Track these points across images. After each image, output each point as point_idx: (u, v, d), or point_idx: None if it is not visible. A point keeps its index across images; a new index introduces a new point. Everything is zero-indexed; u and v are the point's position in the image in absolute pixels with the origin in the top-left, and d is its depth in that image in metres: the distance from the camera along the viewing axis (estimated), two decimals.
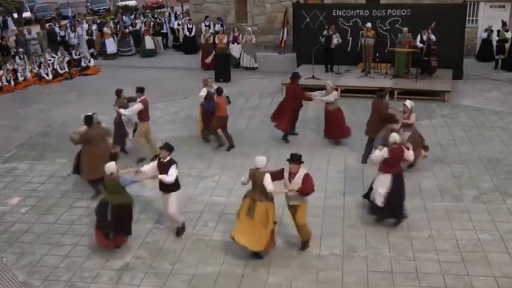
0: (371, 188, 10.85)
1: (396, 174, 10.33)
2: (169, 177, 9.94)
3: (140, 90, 13.74)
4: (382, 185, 10.34)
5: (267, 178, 9.38)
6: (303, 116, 15.07)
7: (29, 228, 11.09)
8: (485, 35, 22.29)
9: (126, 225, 10.03)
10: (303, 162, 9.49)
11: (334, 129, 14.55)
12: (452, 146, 14.38)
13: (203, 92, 14.73)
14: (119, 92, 14.14)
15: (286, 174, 9.56)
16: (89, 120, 11.87)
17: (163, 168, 10.01)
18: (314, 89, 15.29)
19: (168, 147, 10.12)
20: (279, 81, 20.09)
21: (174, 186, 10.18)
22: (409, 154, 10.46)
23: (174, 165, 10.01)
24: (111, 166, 9.85)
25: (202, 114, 14.88)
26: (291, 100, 14.63)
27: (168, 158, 10.07)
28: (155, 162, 10.26)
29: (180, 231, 10.57)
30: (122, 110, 13.51)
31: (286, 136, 14.84)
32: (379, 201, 10.38)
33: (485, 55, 22.52)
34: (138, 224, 10.95)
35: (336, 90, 15.77)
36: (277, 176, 9.63)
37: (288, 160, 9.48)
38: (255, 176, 9.50)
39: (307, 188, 9.36)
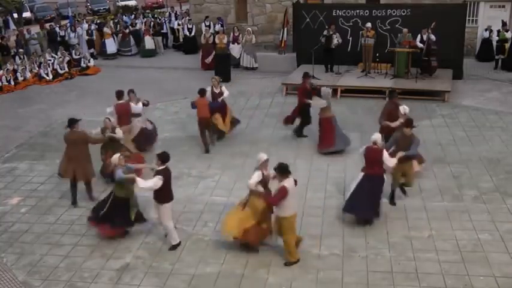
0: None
1: (369, 176, 10.40)
2: (146, 183, 9.73)
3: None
4: (354, 182, 10.76)
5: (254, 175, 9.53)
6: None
7: (29, 228, 11.09)
8: (486, 35, 22.29)
9: (120, 217, 10.27)
10: (289, 173, 9.15)
11: (321, 139, 14.16)
12: (452, 146, 14.38)
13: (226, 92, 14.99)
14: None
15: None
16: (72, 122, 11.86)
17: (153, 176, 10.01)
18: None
19: (161, 156, 9.91)
20: (279, 81, 20.10)
21: (160, 197, 9.87)
22: (388, 159, 10.37)
23: (157, 176, 9.65)
24: (114, 159, 10.13)
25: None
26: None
27: (162, 167, 9.83)
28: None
29: (173, 247, 10.19)
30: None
31: (299, 131, 14.97)
32: (346, 196, 10.76)
33: (485, 55, 22.52)
34: (137, 224, 10.95)
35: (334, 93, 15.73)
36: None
37: (274, 169, 9.29)
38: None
39: (270, 197, 9.28)
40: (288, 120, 15.07)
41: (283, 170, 9.09)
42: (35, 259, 10.02)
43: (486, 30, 22.32)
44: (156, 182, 9.60)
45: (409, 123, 11.05)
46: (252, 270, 9.44)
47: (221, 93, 14.81)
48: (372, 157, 10.44)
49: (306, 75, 14.82)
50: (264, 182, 9.55)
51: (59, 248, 10.36)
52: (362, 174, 10.61)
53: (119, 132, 12.48)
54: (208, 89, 14.75)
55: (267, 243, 9.95)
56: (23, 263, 9.94)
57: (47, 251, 10.25)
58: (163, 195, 9.83)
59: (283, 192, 8.98)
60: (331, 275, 9.23)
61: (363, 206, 10.46)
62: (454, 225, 10.53)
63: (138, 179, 9.85)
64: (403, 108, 12.40)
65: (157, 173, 9.74)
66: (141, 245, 10.33)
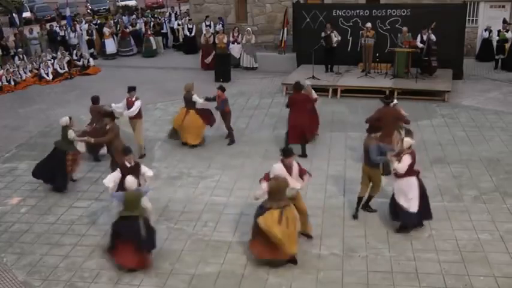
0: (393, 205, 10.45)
1: (418, 178, 10.25)
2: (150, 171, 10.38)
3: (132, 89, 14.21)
4: (412, 189, 10.10)
5: (290, 180, 9.38)
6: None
7: (29, 228, 11.09)
8: (486, 35, 22.29)
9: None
10: (294, 154, 9.79)
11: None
12: (452, 146, 14.38)
13: (199, 99, 14.74)
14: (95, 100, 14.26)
15: (283, 171, 9.49)
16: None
17: (134, 172, 10.03)
18: (314, 90, 15.20)
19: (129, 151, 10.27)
20: (279, 81, 20.10)
21: None
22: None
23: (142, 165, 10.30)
24: (133, 182, 9.41)
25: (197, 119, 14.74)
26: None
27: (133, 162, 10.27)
28: (117, 172, 10.17)
29: None
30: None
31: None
32: (415, 206, 10.09)
33: (485, 55, 22.52)
34: None
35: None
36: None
37: (283, 155, 9.59)
38: (280, 185, 9.22)
39: (305, 171, 9.83)
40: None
41: (289, 152, 9.65)
42: (35, 259, 10.02)
43: (486, 30, 22.32)
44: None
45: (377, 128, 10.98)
46: (252, 270, 9.44)
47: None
48: (415, 159, 10.16)
49: (298, 88, 14.07)
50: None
51: (59, 248, 10.36)
52: (413, 177, 10.14)
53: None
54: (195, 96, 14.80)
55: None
56: (23, 263, 9.94)
57: (47, 251, 10.25)
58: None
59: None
60: (331, 275, 9.23)
61: (427, 209, 10.35)
62: (454, 225, 10.53)
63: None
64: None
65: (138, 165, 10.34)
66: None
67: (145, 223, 9.44)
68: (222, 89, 14.68)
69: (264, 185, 9.25)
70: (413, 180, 10.13)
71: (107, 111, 12.80)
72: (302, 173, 9.75)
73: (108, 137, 12.13)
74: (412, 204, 10.06)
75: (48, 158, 12.73)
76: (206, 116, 14.81)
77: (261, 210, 9.29)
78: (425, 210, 10.29)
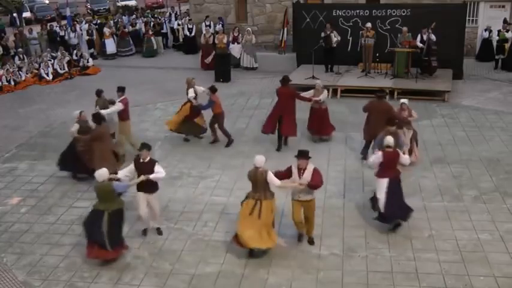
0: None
1: (392, 179, 10.23)
2: (161, 173, 10.03)
3: (121, 90, 13.98)
4: (380, 191, 10.27)
5: (270, 175, 9.49)
6: (302, 116, 15.01)
7: (29, 228, 11.09)
8: (486, 35, 22.29)
9: (119, 233, 9.83)
10: (310, 158, 9.64)
11: (320, 126, 14.69)
12: (452, 146, 14.38)
13: (192, 93, 14.74)
14: (99, 93, 14.37)
15: (295, 171, 9.66)
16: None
17: (146, 168, 9.99)
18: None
19: (148, 147, 10.11)
20: (279, 81, 20.06)
21: (157, 186, 10.29)
22: (405, 158, 10.45)
23: (157, 163, 10.12)
24: (103, 173, 9.56)
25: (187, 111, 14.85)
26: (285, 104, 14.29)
27: (148, 157, 10.08)
28: (131, 165, 10.14)
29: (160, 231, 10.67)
30: (103, 111, 13.50)
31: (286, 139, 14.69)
32: (381, 207, 10.27)
33: (485, 55, 22.52)
34: (137, 224, 10.96)
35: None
36: (285, 175, 9.79)
37: (296, 156, 9.65)
38: (256, 176, 9.56)
39: (317, 182, 9.58)
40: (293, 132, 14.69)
41: (306, 155, 9.59)
42: (35, 259, 10.02)
43: (486, 30, 22.32)
44: (162, 168, 10.07)
45: (391, 120, 11.22)
46: (252, 270, 9.44)
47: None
48: (391, 160, 10.23)
49: (286, 81, 14.39)
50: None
51: (59, 248, 10.36)
52: (386, 180, 10.22)
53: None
54: (192, 91, 14.87)
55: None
56: (23, 263, 9.94)
57: (47, 251, 10.25)
58: (155, 184, 10.22)
59: (319, 172, 9.66)
60: (331, 275, 9.23)
61: (403, 210, 10.36)
62: (454, 225, 10.53)
63: (152, 175, 9.95)
64: (406, 101, 13.01)
65: (152, 162, 10.09)
66: (141, 244, 10.32)
67: (113, 217, 9.58)
68: (213, 90, 14.54)
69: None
70: (382, 181, 10.24)
71: (95, 113, 12.71)
72: (313, 180, 9.57)
73: (87, 138, 12.39)
74: (380, 204, 10.27)
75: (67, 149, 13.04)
76: (194, 113, 14.83)
77: (243, 200, 9.83)
78: (399, 211, 10.32)
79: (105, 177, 9.57)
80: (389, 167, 10.23)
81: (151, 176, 9.94)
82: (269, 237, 9.59)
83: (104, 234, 9.45)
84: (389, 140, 10.23)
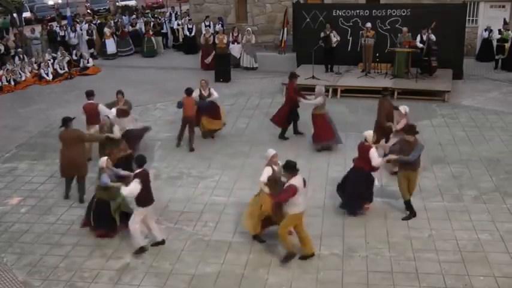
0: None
1: (355, 168, 10.85)
2: (126, 189, 9.62)
3: (90, 95, 13.90)
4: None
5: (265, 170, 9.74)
6: (303, 116, 15.03)
7: (29, 228, 11.08)
8: (486, 35, 22.30)
9: (103, 220, 10.33)
10: (297, 170, 9.19)
11: (317, 133, 14.25)
12: (452, 146, 14.39)
13: (196, 93, 14.78)
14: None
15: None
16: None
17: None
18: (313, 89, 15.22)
19: (137, 161, 9.94)
20: (279, 81, 20.09)
21: (143, 200, 9.74)
22: (375, 157, 10.50)
23: (137, 180, 9.53)
24: (101, 161, 10.28)
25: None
26: (287, 99, 14.92)
27: (139, 170, 9.75)
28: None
29: (138, 250, 10.02)
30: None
31: (283, 134, 14.96)
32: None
33: (485, 55, 22.53)
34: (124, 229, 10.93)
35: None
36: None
37: (282, 167, 9.40)
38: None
39: (279, 196, 9.29)
40: (281, 123, 15.00)
41: (290, 168, 9.14)
42: (35, 259, 10.02)
43: (486, 30, 22.33)
44: (135, 186, 9.46)
45: (410, 130, 10.74)
46: (252, 270, 9.44)
47: (209, 95, 14.85)
48: (361, 153, 10.80)
49: (293, 76, 14.68)
50: (273, 177, 9.67)
51: (59, 248, 10.36)
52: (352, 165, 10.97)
53: (116, 131, 12.52)
54: (197, 91, 14.80)
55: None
56: (23, 263, 9.94)
57: (47, 251, 10.25)
58: (142, 197, 9.66)
59: (289, 190, 9.00)
60: (331, 275, 9.23)
61: (345, 196, 10.95)
62: (454, 225, 10.53)
63: (122, 187, 9.71)
64: (404, 108, 12.44)
65: (135, 176, 9.63)
66: None
67: (104, 205, 10.27)
68: (187, 92, 14.41)
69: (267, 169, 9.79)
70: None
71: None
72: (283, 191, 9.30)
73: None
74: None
75: None
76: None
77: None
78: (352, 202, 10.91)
79: (102, 165, 10.20)
80: (359, 158, 10.86)
81: (122, 188, 9.72)
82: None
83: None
84: (367, 133, 10.69)
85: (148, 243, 10.13)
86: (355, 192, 10.78)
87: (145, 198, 9.70)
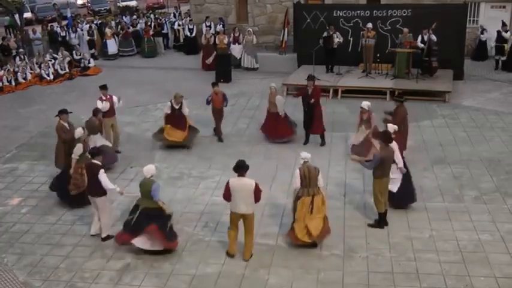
0: None
1: None
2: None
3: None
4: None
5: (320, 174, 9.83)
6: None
7: (30, 229, 11.09)
8: (483, 37, 22.42)
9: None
10: (244, 171, 9.43)
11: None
12: (452, 146, 14.38)
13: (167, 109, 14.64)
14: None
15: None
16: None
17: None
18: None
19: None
20: (279, 81, 20.06)
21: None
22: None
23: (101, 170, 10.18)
24: (149, 169, 9.88)
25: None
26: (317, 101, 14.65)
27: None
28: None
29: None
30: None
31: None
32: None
33: (480, 54, 22.61)
34: None
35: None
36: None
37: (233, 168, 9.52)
38: (310, 171, 9.72)
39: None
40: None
41: (235, 168, 9.43)
42: (35, 259, 10.03)
43: (481, 32, 22.47)
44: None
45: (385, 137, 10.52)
46: (253, 270, 9.44)
47: (180, 109, 14.50)
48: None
49: (313, 78, 14.55)
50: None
51: (60, 248, 10.36)
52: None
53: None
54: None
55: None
56: (23, 263, 9.94)
57: (48, 252, 10.26)
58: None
59: (225, 188, 9.46)
60: (332, 276, 9.23)
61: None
62: (454, 226, 10.53)
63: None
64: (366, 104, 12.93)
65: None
66: None
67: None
68: (215, 84, 15.09)
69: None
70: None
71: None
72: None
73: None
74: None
75: None
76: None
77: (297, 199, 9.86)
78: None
79: (153, 172, 9.86)
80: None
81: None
82: (317, 228, 9.79)
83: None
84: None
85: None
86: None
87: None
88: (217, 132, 15.30)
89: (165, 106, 14.69)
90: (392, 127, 11.02)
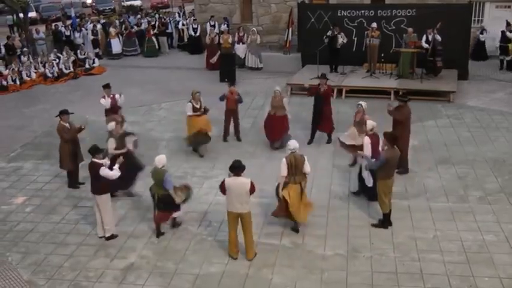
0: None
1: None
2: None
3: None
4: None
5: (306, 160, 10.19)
6: (309, 116, 15.01)
7: (34, 228, 11.11)
8: (482, 37, 22.43)
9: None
10: (240, 171, 9.55)
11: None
12: (457, 146, 14.35)
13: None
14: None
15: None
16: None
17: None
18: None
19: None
20: (283, 81, 20.08)
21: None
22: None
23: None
24: (163, 159, 10.30)
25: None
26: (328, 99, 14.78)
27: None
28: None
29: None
30: None
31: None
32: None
33: (478, 54, 22.62)
34: (142, 223, 11.01)
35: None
36: None
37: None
38: (297, 160, 10.08)
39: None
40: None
41: (231, 168, 9.54)
42: (39, 258, 10.05)
43: (481, 32, 22.45)
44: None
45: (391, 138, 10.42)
46: (256, 270, 9.44)
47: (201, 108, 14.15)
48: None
49: (324, 77, 14.67)
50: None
51: (64, 247, 10.38)
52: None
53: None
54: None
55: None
56: (27, 262, 9.96)
57: (52, 250, 10.28)
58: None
59: (221, 186, 9.62)
60: (336, 276, 9.22)
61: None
62: (459, 226, 10.50)
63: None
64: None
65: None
66: (146, 244, 10.34)
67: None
68: (231, 84, 15.18)
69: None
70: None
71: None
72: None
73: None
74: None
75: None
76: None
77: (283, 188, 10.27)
78: None
79: (164, 162, 10.24)
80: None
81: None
82: (305, 214, 10.43)
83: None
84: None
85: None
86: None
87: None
88: (225, 132, 15.19)
89: (187, 108, 14.11)
90: (371, 123, 11.30)
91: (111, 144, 11.79)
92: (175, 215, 10.65)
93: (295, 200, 10.18)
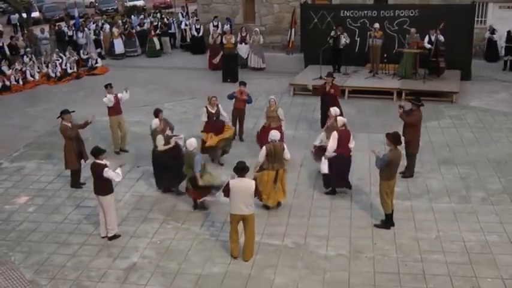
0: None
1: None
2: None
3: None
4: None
5: (286, 148, 11.01)
6: (312, 116, 15.02)
7: (37, 227, 11.13)
8: (487, 35, 22.37)
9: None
10: (244, 172, 9.54)
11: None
12: (460, 147, 14.34)
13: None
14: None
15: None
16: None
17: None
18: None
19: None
20: (286, 81, 20.09)
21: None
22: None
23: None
24: (192, 142, 10.94)
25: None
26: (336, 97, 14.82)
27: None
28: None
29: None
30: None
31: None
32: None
33: (492, 54, 22.54)
34: (144, 223, 11.02)
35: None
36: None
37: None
38: (276, 148, 10.83)
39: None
40: None
41: (236, 169, 9.56)
42: (42, 258, 10.06)
43: (488, 30, 22.34)
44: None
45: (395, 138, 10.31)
46: (259, 270, 9.44)
47: (218, 113, 13.75)
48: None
49: (330, 75, 14.86)
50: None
51: (67, 247, 10.39)
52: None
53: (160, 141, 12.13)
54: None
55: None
56: (30, 261, 9.98)
57: (55, 250, 10.29)
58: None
59: (225, 188, 9.73)
60: (338, 276, 9.21)
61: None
62: (461, 227, 10.49)
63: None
64: (334, 111, 12.45)
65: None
66: (148, 244, 10.35)
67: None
68: (242, 83, 15.15)
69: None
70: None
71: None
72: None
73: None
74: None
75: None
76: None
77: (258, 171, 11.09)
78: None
79: (194, 146, 10.93)
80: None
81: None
82: (279, 195, 11.20)
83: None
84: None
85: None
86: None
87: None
88: (240, 131, 15.28)
89: (202, 114, 13.80)
90: (342, 120, 11.68)
91: (160, 141, 11.96)
92: (207, 198, 11.28)
93: (268, 185, 10.97)
